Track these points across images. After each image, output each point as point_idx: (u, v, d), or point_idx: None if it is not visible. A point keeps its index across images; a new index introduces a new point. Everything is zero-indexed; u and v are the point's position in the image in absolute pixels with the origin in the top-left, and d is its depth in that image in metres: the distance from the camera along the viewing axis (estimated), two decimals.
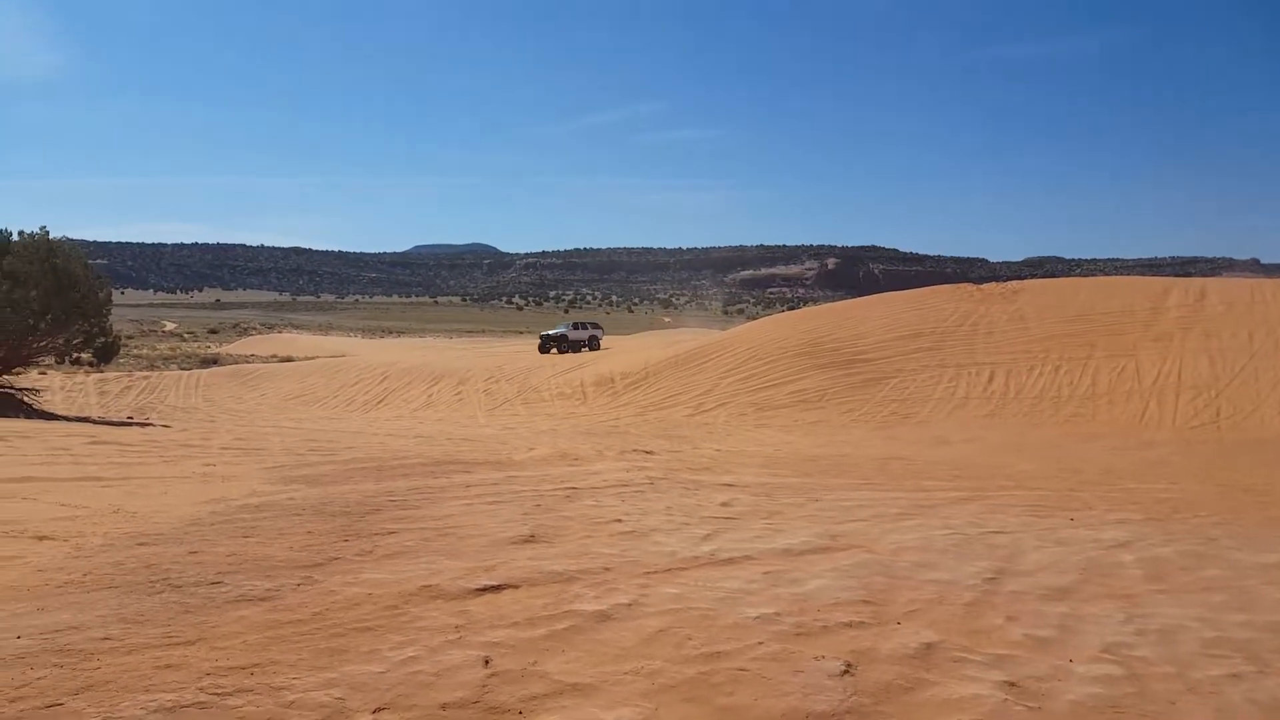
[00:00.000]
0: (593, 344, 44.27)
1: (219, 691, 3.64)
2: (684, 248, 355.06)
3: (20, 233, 23.84)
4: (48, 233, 23.80)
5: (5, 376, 24.45)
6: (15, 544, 6.00)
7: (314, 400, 32.01)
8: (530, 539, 6.38)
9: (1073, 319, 27.67)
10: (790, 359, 27.33)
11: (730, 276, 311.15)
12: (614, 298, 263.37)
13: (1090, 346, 25.52)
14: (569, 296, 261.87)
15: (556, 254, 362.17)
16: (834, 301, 41.94)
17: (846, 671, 4.01)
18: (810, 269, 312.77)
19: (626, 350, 34.48)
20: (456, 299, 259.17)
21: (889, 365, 26.00)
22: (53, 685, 3.66)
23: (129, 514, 7.20)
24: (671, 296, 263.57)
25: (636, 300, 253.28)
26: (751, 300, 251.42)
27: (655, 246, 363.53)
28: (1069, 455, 16.02)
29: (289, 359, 46.52)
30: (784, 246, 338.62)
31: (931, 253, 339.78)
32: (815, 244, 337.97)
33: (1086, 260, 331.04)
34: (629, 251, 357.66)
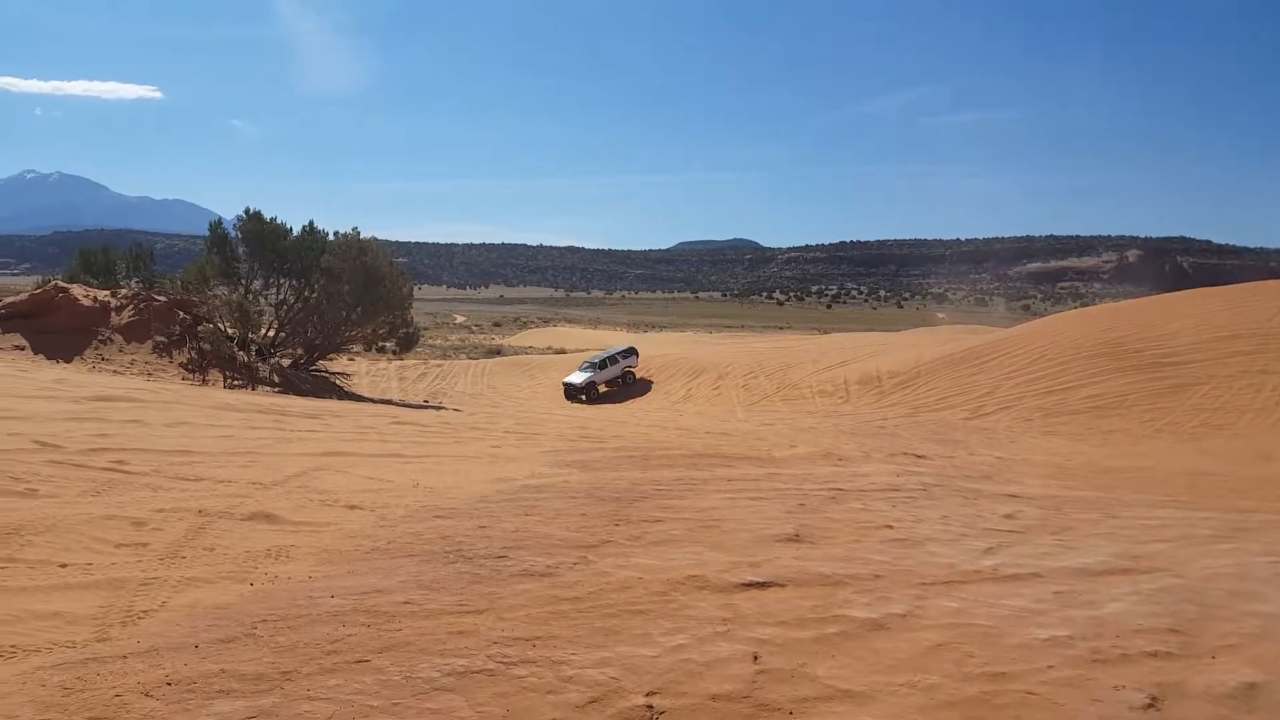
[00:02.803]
0: (626, 378, 33.39)
1: (505, 660, 3.83)
2: (962, 239, 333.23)
3: (336, 233, 26.95)
4: (359, 233, 26.69)
5: (321, 362, 27.77)
6: (330, 512, 6.71)
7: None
8: (795, 538, 6.23)
9: None
10: (1085, 360, 24.93)
11: (1015, 270, 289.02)
12: (882, 292, 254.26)
13: None
14: (832, 291, 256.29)
15: (820, 248, 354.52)
16: (1136, 298, 37.56)
17: (1151, 705, 3.57)
18: (1108, 262, 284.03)
19: (896, 347, 33.04)
20: (717, 294, 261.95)
21: (1200, 370, 23.04)
22: (361, 642, 4.02)
23: (426, 489, 7.84)
24: (946, 291, 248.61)
25: (907, 295, 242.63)
26: (1039, 295, 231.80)
27: (929, 238, 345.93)
28: None
29: (562, 351, 49.25)
30: (1078, 237, 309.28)
31: (1252, 245, 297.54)
32: (1114, 234, 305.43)
33: None
34: (900, 244, 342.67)
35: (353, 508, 6.88)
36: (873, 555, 5.84)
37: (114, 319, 23.15)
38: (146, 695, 3.40)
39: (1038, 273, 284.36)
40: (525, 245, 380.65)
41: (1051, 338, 27.62)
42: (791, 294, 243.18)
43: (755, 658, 3.97)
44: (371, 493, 7.50)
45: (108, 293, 24.75)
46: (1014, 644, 4.23)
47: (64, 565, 4.88)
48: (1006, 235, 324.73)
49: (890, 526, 6.78)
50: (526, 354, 47.52)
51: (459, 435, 12.67)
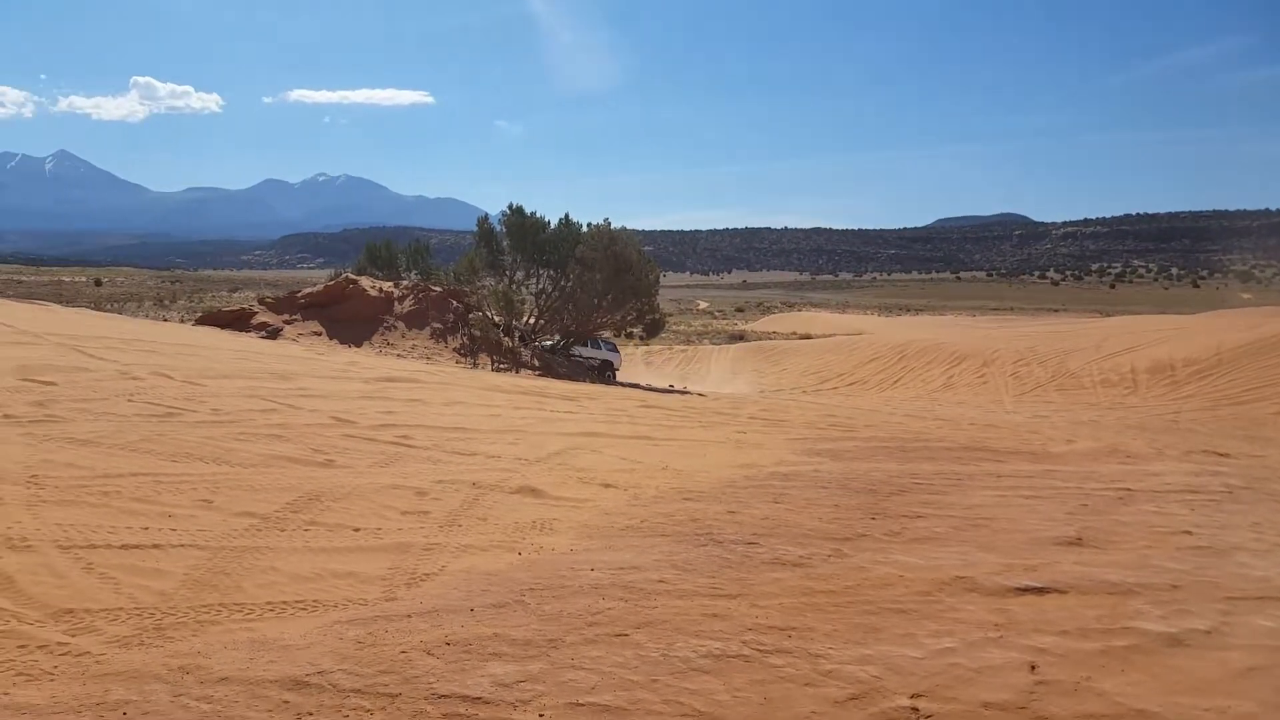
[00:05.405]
0: (605, 370, 28.28)
1: (760, 648, 3.77)
2: (1271, 209, 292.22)
3: (589, 224, 28.10)
4: (609, 223, 27.67)
5: (576, 346, 29.09)
6: (588, 489, 6.96)
7: (830, 376, 32.91)
8: (1076, 541, 5.69)
9: None
10: None
11: None
12: (1174, 270, 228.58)
13: None
14: (1116, 269, 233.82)
15: (1101, 221, 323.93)
16: None
17: None
18: None
19: (1191, 331, 29.39)
20: (981, 274, 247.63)
21: None
22: (620, 616, 4.11)
23: (675, 471, 7.95)
24: (1253, 268, 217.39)
25: (1203, 273, 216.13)
26: None
27: (1232, 209, 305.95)
28: None
29: (807, 336, 48.55)
30: None
31: None
32: None
33: None
34: (1195, 215, 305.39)
35: (607, 486, 7.11)
36: (1168, 563, 5.22)
37: (396, 308, 25.53)
38: (428, 653, 3.66)
39: None
40: (769, 229, 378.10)
41: None
42: (1068, 273, 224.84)
43: (1033, 667, 3.66)
44: (624, 472, 7.71)
45: (391, 284, 27.34)
46: None
47: (357, 529, 5.38)
48: None
49: (1189, 532, 6.04)
50: (770, 339, 47.28)
51: (704, 420, 12.77)
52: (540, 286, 28.26)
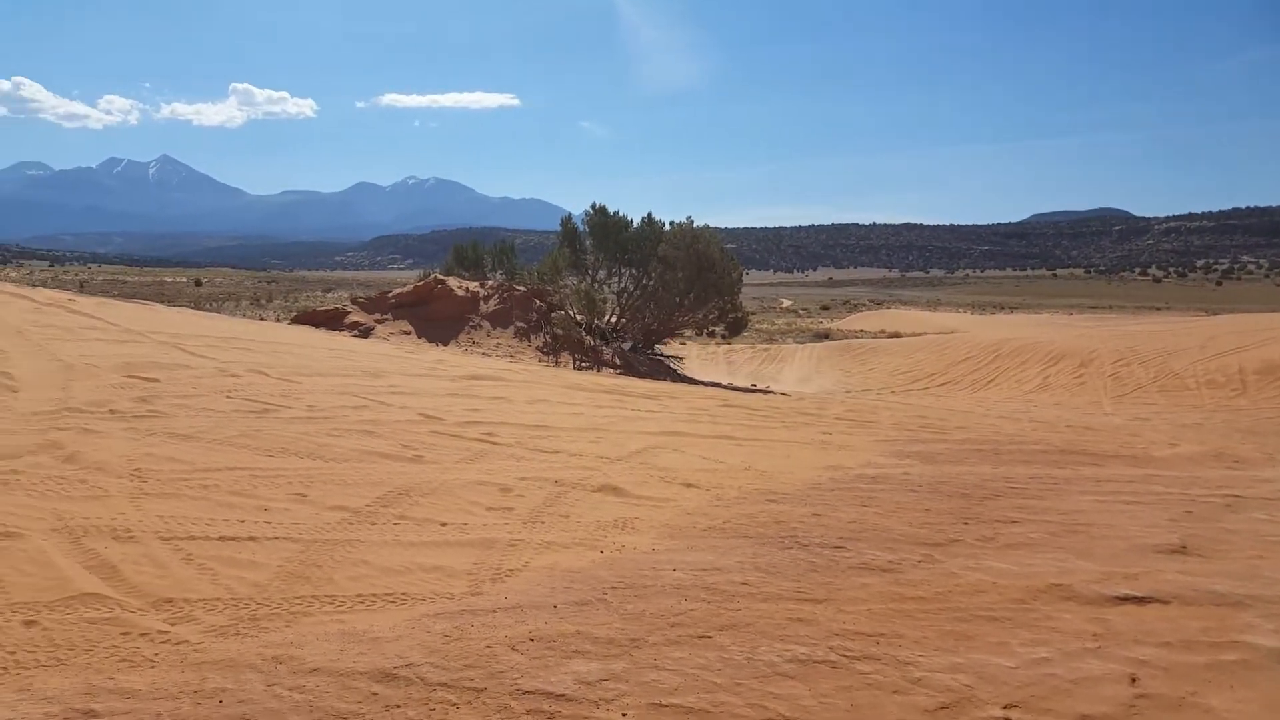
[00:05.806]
0: None
1: (847, 654, 3.69)
2: None
3: (671, 222, 28.06)
4: (692, 221, 27.60)
5: (656, 346, 29.12)
6: (669, 489, 6.93)
7: (921, 376, 32.17)
8: (1180, 549, 5.42)
9: None
10: None
11: None
12: None
13: None
14: (1223, 265, 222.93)
15: (1207, 216, 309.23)
16: None
17: None
18: None
19: None
20: (1079, 271, 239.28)
21: None
22: (702, 618, 4.08)
23: (758, 472, 7.86)
24: None
25: None
26: None
27: None
28: None
29: (896, 335, 47.57)
30: None
31: None
32: None
33: None
34: None
35: (689, 486, 7.07)
36: None
37: (482, 307, 25.94)
38: (513, 649, 3.69)
39: None
40: (856, 225, 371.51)
41: None
42: (1171, 270, 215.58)
43: (1133, 679, 3.50)
44: (705, 472, 7.66)
45: (477, 284, 27.80)
46: None
47: (444, 524, 5.46)
48: None
49: None
50: (857, 338, 46.47)
51: (787, 420, 12.60)
52: (622, 285, 28.35)
